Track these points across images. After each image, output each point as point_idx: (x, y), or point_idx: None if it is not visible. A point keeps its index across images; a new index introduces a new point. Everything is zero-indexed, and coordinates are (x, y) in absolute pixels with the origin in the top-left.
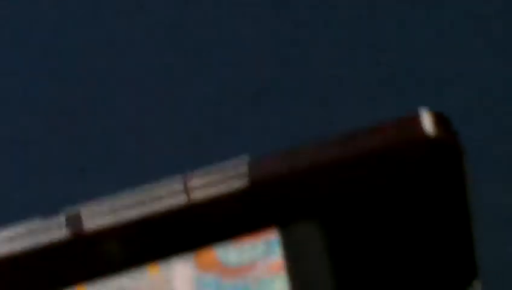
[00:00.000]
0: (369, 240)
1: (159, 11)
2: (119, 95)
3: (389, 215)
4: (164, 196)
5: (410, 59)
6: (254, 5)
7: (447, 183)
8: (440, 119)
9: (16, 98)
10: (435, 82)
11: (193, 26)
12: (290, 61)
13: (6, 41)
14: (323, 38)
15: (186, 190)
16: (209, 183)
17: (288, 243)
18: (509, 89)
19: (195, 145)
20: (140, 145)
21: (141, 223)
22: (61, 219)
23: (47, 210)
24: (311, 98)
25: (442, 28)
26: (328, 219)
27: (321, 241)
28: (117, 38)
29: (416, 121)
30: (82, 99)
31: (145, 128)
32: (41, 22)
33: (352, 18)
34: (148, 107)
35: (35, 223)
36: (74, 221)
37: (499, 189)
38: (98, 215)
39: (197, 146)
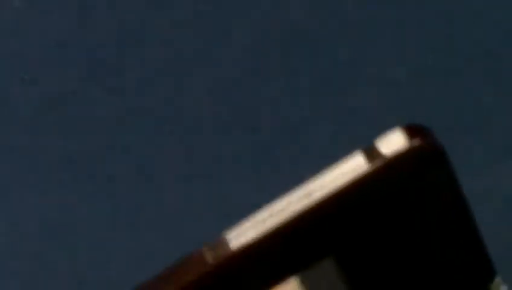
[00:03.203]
0: (383, 261)
1: None
2: None
3: (395, 232)
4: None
5: None
6: None
7: (440, 187)
8: (415, 130)
9: None
10: None
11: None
12: None
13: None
14: None
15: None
16: None
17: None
18: None
19: None
20: None
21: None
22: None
23: None
24: None
25: None
26: (341, 253)
27: (339, 277)
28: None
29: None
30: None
31: None
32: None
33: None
34: None
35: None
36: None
37: None
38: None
39: None
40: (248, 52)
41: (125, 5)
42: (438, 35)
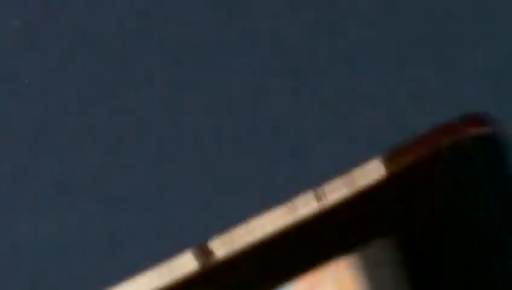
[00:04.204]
0: (440, 248)
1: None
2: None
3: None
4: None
5: None
6: None
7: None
8: (479, 119)
9: None
10: None
11: None
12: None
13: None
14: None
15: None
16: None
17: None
18: None
19: None
20: None
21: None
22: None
23: None
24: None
25: None
26: (399, 234)
27: (396, 258)
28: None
29: (458, 124)
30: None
31: None
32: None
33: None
34: None
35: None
36: (203, 253)
37: None
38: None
39: None
40: (249, 72)
41: (127, 25)
42: (439, 54)
